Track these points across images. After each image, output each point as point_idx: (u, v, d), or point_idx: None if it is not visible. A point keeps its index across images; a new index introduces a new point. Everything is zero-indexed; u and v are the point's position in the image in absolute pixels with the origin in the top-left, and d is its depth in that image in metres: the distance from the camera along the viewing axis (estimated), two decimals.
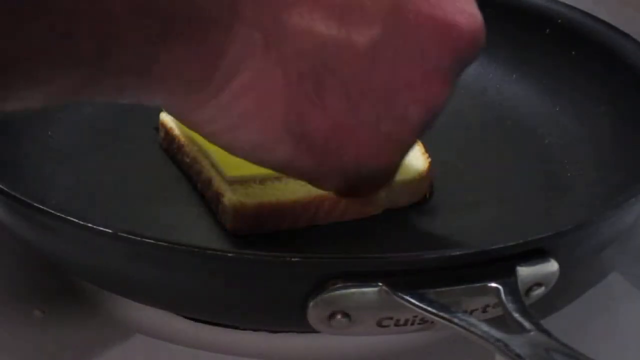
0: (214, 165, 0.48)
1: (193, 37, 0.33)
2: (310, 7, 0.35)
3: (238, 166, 0.43)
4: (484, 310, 0.39)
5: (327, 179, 0.39)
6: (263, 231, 0.46)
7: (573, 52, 0.57)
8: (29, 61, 0.30)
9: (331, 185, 0.39)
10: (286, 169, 0.39)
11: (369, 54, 0.36)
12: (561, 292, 0.42)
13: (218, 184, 0.47)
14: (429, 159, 0.49)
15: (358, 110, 0.36)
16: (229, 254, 0.37)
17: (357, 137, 0.37)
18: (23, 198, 0.40)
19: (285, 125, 0.36)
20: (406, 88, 0.37)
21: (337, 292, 0.37)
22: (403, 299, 0.37)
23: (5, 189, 0.40)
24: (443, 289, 0.37)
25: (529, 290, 0.39)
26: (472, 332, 0.35)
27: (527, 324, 0.36)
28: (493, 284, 0.38)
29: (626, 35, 0.55)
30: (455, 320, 0.36)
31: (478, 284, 0.38)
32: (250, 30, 0.34)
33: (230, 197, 0.46)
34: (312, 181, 0.40)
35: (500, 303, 0.37)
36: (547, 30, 0.59)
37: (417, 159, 0.49)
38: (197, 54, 0.34)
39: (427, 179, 0.49)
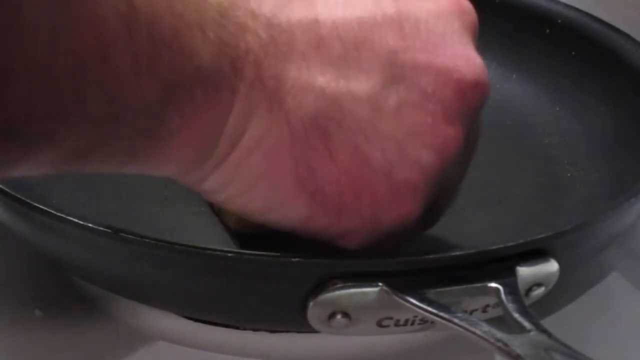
0: None
1: (197, 99, 0.33)
2: (308, 62, 0.35)
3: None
4: (484, 310, 0.39)
5: (348, 235, 0.38)
6: (266, 230, 0.46)
7: (573, 52, 0.57)
8: (42, 120, 0.30)
9: (354, 243, 0.38)
10: (305, 229, 0.38)
11: (371, 103, 0.36)
12: (561, 292, 0.42)
13: None
14: None
15: (369, 159, 0.36)
16: (229, 254, 0.37)
17: (371, 187, 0.36)
18: (23, 198, 0.40)
19: (296, 181, 0.36)
20: (414, 133, 0.36)
21: (337, 292, 0.37)
22: (403, 299, 0.37)
23: (5, 189, 0.40)
24: (443, 289, 0.37)
25: (529, 290, 0.39)
26: (472, 332, 0.35)
27: (527, 324, 0.36)
28: (493, 284, 0.38)
29: (626, 35, 0.55)
30: (455, 320, 0.36)
31: (478, 284, 0.38)
32: (252, 89, 0.34)
33: None
34: (333, 239, 0.39)
35: (500, 303, 0.37)
36: (547, 30, 0.59)
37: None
38: (202, 117, 0.34)
39: None
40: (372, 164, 0.36)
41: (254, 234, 0.46)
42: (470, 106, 0.38)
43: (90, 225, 0.38)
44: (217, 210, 0.47)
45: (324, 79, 0.35)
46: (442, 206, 0.41)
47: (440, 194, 0.39)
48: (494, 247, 0.38)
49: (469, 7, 0.39)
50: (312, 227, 0.37)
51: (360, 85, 0.36)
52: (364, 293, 0.37)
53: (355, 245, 0.38)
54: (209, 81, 0.33)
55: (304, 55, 0.35)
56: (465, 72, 0.37)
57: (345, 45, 0.36)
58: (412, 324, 0.38)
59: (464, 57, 0.37)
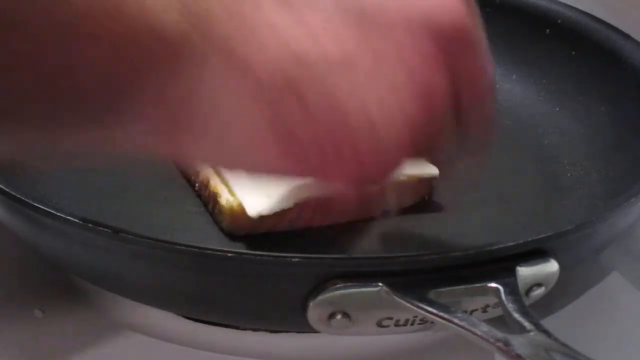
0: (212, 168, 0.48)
1: (151, 53, 0.32)
2: (284, 28, 0.34)
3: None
4: (484, 310, 0.39)
5: (330, 181, 0.37)
6: (257, 232, 0.46)
7: (573, 52, 0.57)
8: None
9: (336, 187, 0.38)
10: (283, 175, 0.37)
11: (347, 63, 0.34)
12: (561, 292, 0.42)
13: (215, 184, 0.47)
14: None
15: (348, 114, 0.35)
16: (229, 254, 0.37)
17: (353, 141, 0.35)
18: (23, 198, 0.40)
19: (278, 147, 0.35)
20: (394, 84, 0.35)
21: (337, 292, 0.37)
22: (403, 299, 0.37)
23: (5, 189, 0.40)
24: (443, 289, 0.37)
25: (529, 290, 0.39)
26: (472, 332, 0.35)
27: (527, 324, 0.36)
28: (493, 284, 0.38)
29: (626, 35, 0.55)
30: (455, 320, 0.36)
31: (478, 284, 0.38)
32: (223, 61, 0.33)
33: (227, 198, 0.46)
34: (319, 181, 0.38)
35: (501, 303, 0.37)
36: (547, 30, 0.59)
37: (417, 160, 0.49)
38: (156, 70, 0.32)
39: (427, 179, 0.49)
40: (351, 117, 0.35)
41: (246, 234, 0.46)
42: (452, 49, 0.36)
43: (90, 225, 0.38)
44: (210, 211, 0.47)
45: (298, 44, 0.34)
46: (437, 148, 0.40)
47: (432, 137, 0.38)
48: (494, 247, 0.38)
49: None
50: (291, 174, 0.37)
51: (336, 47, 0.34)
52: (364, 293, 0.37)
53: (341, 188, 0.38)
54: (161, 35, 0.32)
55: (280, 22, 0.34)
56: (440, 15, 0.36)
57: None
58: (412, 324, 0.38)
59: (438, 1, 0.36)
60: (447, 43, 0.36)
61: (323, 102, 0.34)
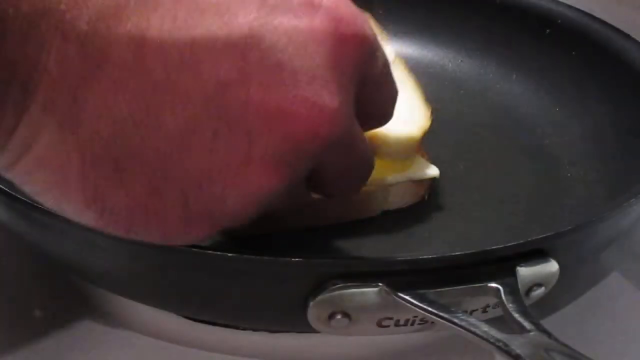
0: None
1: None
2: (116, 86, 0.31)
3: None
4: (484, 311, 0.39)
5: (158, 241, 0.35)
6: (259, 232, 0.46)
7: (573, 52, 0.57)
8: None
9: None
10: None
11: (181, 138, 0.32)
12: (561, 292, 0.42)
13: None
14: (429, 159, 0.49)
15: (164, 192, 0.33)
16: (229, 254, 0.37)
17: (162, 216, 0.34)
18: (23, 198, 0.40)
19: (85, 202, 0.33)
20: (222, 173, 0.33)
21: (337, 292, 0.37)
22: (403, 299, 0.37)
23: (5, 189, 0.40)
24: (443, 289, 0.37)
25: (529, 290, 0.39)
26: (472, 332, 0.35)
27: (527, 324, 0.36)
28: (493, 284, 0.38)
29: (626, 35, 0.55)
30: (455, 320, 0.36)
31: (478, 284, 0.38)
32: (44, 111, 0.31)
33: None
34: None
35: (501, 303, 0.37)
36: (547, 30, 0.59)
37: (416, 160, 0.49)
38: None
39: (427, 180, 0.49)
40: (165, 197, 0.33)
41: (247, 234, 0.46)
42: (302, 153, 0.33)
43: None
44: None
45: (127, 110, 0.31)
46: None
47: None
48: (494, 247, 0.38)
49: (355, 31, 0.33)
50: (110, 231, 0.35)
51: (173, 118, 0.31)
52: (364, 293, 0.37)
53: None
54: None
55: (114, 77, 0.31)
56: (303, 120, 0.32)
57: (167, 68, 0.31)
58: (412, 324, 0.38)
59: (307, 102, 0.32)
60: (299, 144, 0.33)
61: (140, 173, 0.33)
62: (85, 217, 0.34)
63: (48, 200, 0.34)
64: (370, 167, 0.39)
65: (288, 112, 0.32)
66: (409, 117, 0.47)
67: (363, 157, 0.38)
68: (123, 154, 0.32)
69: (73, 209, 0.34)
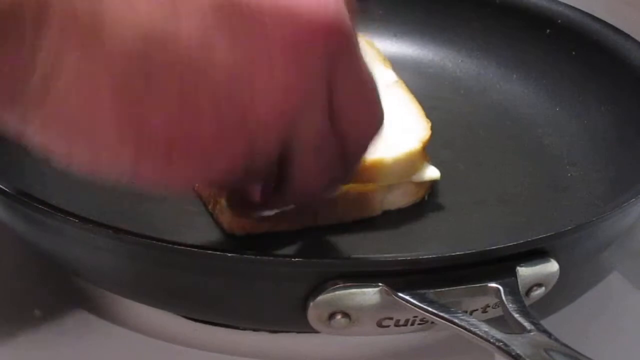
0: None
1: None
2: None
3: None
4: (484, 311, 0.39)
5: (179, 184, 0.35)
6: (259, 232, 0.46)
7: (573, 52, 0.57)
8: None
9: (183, 184, 0.36)
10: (134, 178, 0.35)
11: (203, 44, 0.32)
12: (561, 292, 0.42)
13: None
14: (429, 159, 0.49)
15: (197, 105, 0.32)
16: (229, 254, 0.37)
17: (199, 135, 0.33)
18: (23, 198, 0.40)
19: (120, 128, 0.32)
20: (248, 76, 0.33)
21: (337, 292, 0.37)
22: (403, 299, 0.37)
23: (5, 189, 0.40)
24: (443, 289, 0.37)
25: (529, 290, 0.39)
26: (472, 332, 0.35)
27: (527, 324, 0.36)
28: (493, 284, 0.38)
29: (626, 35, 0.55)
30: (456, 320, 0.36)
31: (478, 284, 0.38)
32: (64, 24, 0.30)
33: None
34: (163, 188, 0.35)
35: (501, 303, 0.37)
36: (547, 30, 0.59)
37: (416, 160, 0.49)
38: (7, 53, 0.30)
39: (427, 180, 0.49)
40: (200, 112, 0.33)
41: (247, 234, 0.46)
42: (322, 53, 0.33)
43: (90, 225, 0.38)
44: (211, 211, 0.47)
45: (149, 18, 0.31)
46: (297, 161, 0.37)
47: (292, 145, 0.35)
48: (494, 247, 0.38)
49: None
50: (141, 175, 0.34)
51: (192, 25, 0.32)
52: (364, 293, 0.37)
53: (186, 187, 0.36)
54: (8, 13, 0.30)
55: None
56: (314, 14, 0.33)
57: None
58: (412, 324, 0.38)
59: (313, 1, 0.33)
60: (315, 47, 0.33)
61: (170, 88, 0.32)
62: (120, 156, 0.33)
63: (78, 141, 0.33)
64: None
65: (296, 7, 0.33)
66: (405, 141, 0.47)
67: (368, 77, 0.37)
68: (152, 65, 0.31)
69: (106, 145, 0.33)
